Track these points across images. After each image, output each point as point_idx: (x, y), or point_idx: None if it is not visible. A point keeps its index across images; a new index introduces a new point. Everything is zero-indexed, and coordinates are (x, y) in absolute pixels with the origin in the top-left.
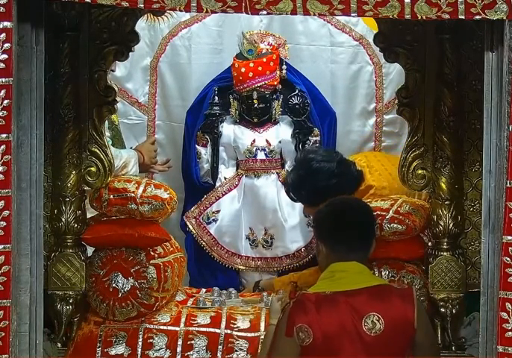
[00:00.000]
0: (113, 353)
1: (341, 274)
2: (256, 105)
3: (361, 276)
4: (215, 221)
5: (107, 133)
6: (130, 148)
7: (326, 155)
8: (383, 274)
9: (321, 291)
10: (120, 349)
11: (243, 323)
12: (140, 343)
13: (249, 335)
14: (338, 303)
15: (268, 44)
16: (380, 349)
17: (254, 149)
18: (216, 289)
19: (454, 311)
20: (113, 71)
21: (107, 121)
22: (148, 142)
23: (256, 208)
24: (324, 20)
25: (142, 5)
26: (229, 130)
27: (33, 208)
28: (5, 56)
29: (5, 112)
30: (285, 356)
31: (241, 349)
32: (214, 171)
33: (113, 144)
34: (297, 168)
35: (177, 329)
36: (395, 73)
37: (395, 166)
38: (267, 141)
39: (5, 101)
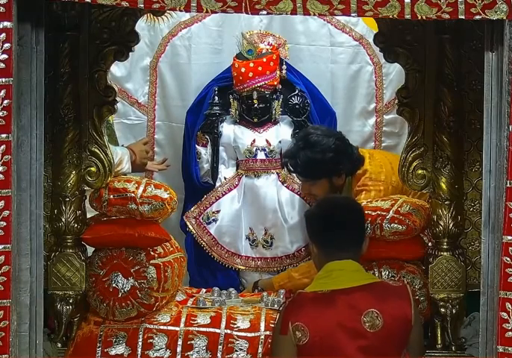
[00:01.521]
0: (113, 353)
1: (338, 273)
2: (256, 105)
3: (358, 274)
4: (215, 221)
5: None
6: (122, 145)
7: (327, 131)
8: (383, 274)
9: (318, 290)
10: (120, 349)
11: (243, 323)
12: (140, 343)
13: (249, 335)
14: (336, 301)
15: (268, 44)
16: (379, 346)
17: (254, 149)
18: (216, 289)
19: (454, 311)
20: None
21: None
22: (141, 142)
23: (256, 208)
24: (324, 20)
25: (142, 5)
26: (229, 130)
27: (33, 208)
28: (5, 56)
29: (5, 112)
30: (282, 355)
31: (241, 349)
32: (214, 171)
33: (108, 141)
34: (297, 140)
35: (177, 329)
36: (395, 73)
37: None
38: (267, 141)
39: (5, 101)
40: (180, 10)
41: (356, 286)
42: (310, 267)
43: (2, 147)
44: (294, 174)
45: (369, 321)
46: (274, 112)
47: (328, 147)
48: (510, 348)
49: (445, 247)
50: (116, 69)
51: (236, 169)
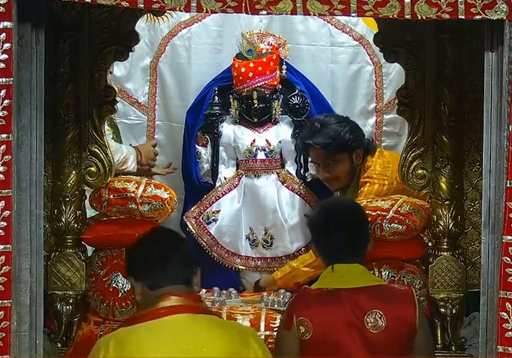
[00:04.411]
0: None
1: (344, 273)
2: (256, 105)
3: (364, 275)
4: (215, 221)
5: (107, 127)
6: (130, 145)
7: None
8: (383, 274)
9: (323, 287)
10: None
11: (243, 323)
12: None
13: None
14: (341, 299)
15: (268, 44)
16: (380, 346)
17: (254, 149)
18: (216, 289)
19: (454, 311)
20: (110, 73)
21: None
22: (150, 143)
23: (256, 208)
24: (324, 20)
25: (142, 5)
26: (229, 130)
27: (33, 208)
28: (5, 56)
29: (5, 112)
30: (285, 349)
31: None
32: (214, 171)
33: (112, 138)
34: (312, 122)
35: None
36: (395, 73)
37: None
38: (267, 141)
39: (5, 101)
40: (180, 10)
41: (361, 286)
42: (310, 256)
43: (2, 147)
44: (296, 168)
45: (372, 321)
46: (274, 112)
47: (347, 121)
48: (510, 348)
49: (445, 247)
50: (116, 69)
51: (236, 169)
